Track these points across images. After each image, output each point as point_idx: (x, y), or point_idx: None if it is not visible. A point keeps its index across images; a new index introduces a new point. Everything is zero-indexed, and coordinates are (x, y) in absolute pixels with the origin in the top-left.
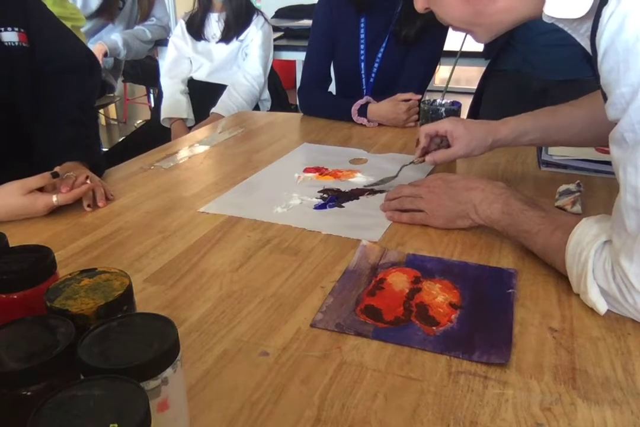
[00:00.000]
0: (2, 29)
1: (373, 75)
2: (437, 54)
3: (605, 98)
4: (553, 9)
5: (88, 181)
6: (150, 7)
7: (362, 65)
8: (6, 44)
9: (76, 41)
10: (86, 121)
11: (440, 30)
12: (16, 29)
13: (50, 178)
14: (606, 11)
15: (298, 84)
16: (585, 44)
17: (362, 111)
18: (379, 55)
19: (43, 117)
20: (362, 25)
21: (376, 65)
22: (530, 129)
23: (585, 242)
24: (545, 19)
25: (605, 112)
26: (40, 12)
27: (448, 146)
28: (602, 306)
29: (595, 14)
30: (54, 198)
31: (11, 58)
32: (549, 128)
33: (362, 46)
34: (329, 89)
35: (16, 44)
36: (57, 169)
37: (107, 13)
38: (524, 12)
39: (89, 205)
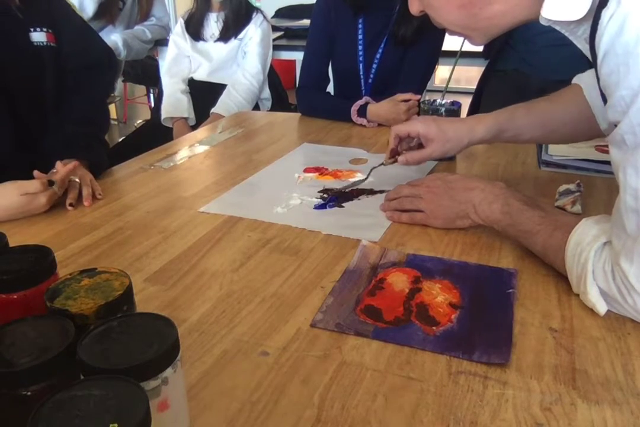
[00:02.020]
0: (32, 29)
1: (372, 75)
2: (436, 54)
3: (604, 100)
4: (551, 11)
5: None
6: (149, 7)
7: (361, 66)
8: (36, 44)
9: (97, 38)
10: (97, 119)
11: (438, 30)
12: (44, 29)
13: (46, 186)
14: (606, 13)
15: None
16: (583, 46)
17: (362, 112)
18: (378, 55)
19: (59, 113)
20: (360, 26)
21: (375, 65)
22: (505, 128)
23: (585, 242)
24: (542, 22)
25: (582, 107)
26: (65, 11)
27: (419, 145)
28: (601, 307)
29: (594, 16)
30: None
31: (41, 58)
32: (524, 126)
33: (360, 47)
34: (327, 90)
35: (45, 44)
36: (56, 167)
37: (108, 15)
38: (520, 15)
39: (71, 204)
